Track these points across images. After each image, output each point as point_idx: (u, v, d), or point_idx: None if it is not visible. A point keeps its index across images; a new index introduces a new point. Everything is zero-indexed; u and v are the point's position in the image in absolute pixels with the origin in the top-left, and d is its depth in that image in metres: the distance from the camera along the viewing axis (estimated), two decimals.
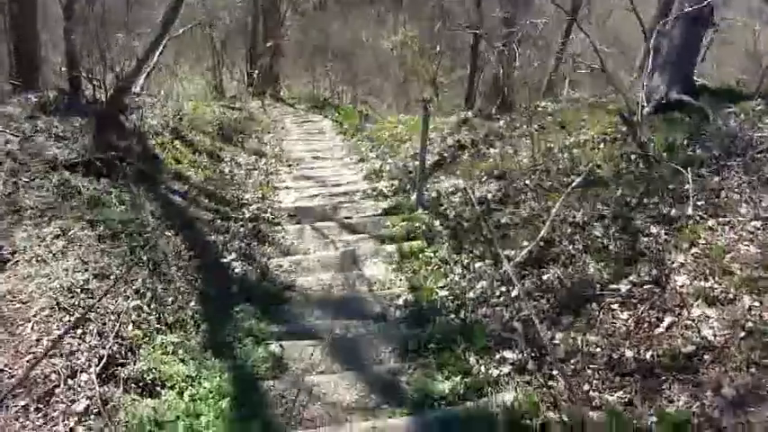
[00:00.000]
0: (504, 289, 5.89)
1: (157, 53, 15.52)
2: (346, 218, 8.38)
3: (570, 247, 6.16)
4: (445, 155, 10.47)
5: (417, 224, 7.58)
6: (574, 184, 6.86)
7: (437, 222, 7.61)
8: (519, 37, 13.57)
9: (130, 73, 9.25)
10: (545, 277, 5.92)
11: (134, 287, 5.49)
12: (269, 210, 8.60)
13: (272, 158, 12.36)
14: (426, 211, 8.03)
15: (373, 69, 26.06)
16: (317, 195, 9.49)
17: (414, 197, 8.64)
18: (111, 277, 5.45)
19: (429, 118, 8.40)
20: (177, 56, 21.31)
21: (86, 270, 5.36)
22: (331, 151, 13.55)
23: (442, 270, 6.48)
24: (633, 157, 7.44)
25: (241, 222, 7.91)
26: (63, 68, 15.96)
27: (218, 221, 7.80)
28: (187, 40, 22.20)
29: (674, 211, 6.08)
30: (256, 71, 21.58)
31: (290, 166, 12.01)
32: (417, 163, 10.05)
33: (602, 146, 8.27)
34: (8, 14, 11.29)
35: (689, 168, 6.21)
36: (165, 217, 7.05)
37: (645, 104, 7.83)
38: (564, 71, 18.26)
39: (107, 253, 5.76)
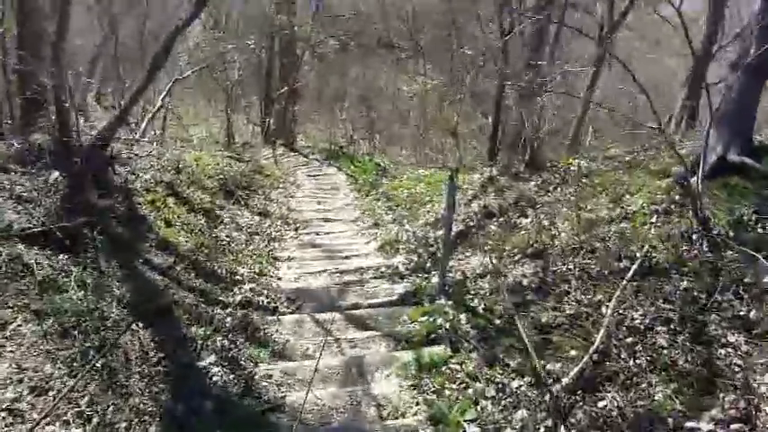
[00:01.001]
0: (549, 424, 4.60)
1: (162, 96, 14.66)
2: (354, 307, 7.10)
3: (631, 362, 4.92)
4: (470, 224, 9.24)
5: (440, 320, 6.28)
6: (629, 275, 5.66)
7: (463, 318, 6.32)
8: (548, 87, 12.45)
9: (111, 123, 8.17)
10: (601, 405, 4.65)
11: (80, 407, 4.27)
12: (265, 291, 7.37)
13: (277, 220, 11.21)
14: (450, 301, 6.74)
15: (392, 117, 25.11)
16: (322, 272, 8.27)
17: (435, 281, 7.39)
18: (52, 394, 4.23)
19: (456, 191, 7.10)
20: (186, 99, 20.45)
21: (21, 381, 4.20)
22: (343, 212, 12.40)
23: (470, 391, 5.16)
24: (695, 236, 6.19)
25: (229, 309, 6.66)
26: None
27: (202, 307, 6.57)
28: (197, 83, 21.36)
29: (753, 312, 5.00)
30: (270, 118, 20.57)
31: (296, 229, 10.85)
32: (439, 233, 8.93)
33: (654, 220, 7.00)
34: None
35: (762, 253, 5.17)
36: (136, 303, 5.81)
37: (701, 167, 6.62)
38: (587, 120, 17.11)
39: (52, 357, 4.56)
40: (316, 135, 24.90)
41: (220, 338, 5.98)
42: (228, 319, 6.41)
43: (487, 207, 9.72)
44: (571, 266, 6.55)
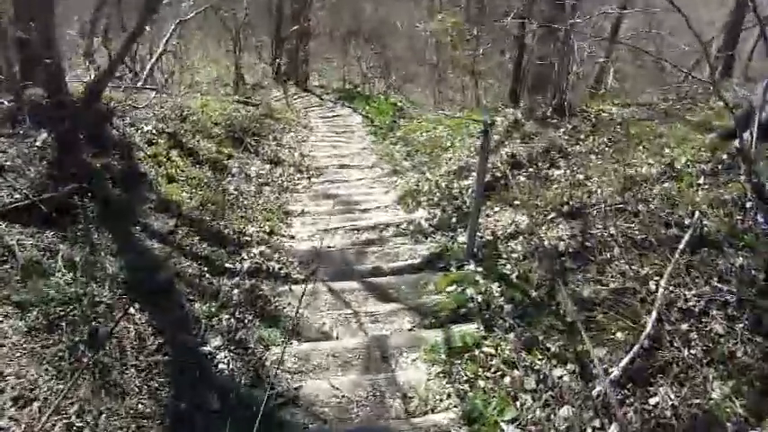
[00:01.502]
0: (597, 424, 4.02)
1: (165, 40, 13.85)
2: (374, 272, 6.47)
3: (685, 351, 4.29)
4: (497, 174, 8.53)
5: (470, 291, 5.66)
6: (681, 246, 4.99)
7: (496, 288, 5.69)
8: (576, 26, 11.57)
9: (103, 72, 7.49)
10: (653, 402, 4.07)
11: (69, 417, 3.73)
12: (276, 255, 6.75)
13: (289, 167, 10.57)
14: (479, 267, 6.11)
15: (407, 55, 24.17)
16: (338, 229, 7.62)
17: (462, 240, 6.77)
18: (36, 404, 3.69)
19: (489, 146, 6.37)
20: (192, 42, 19.54)
21: (2, 391, 3.63)
22: (359, 157, 11.72)
23: (506, 381, 4.55)
24: (748, 205, 5.49)
25: (237, 279, 6.04)
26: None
27: (207, 278, 5.96)
28: (206, 24, 20.46)
29: None
30: (281, 57, 19.70)
31: (309, 178, 10.21)
32: (464, 183, 8.27)
33: (701, 181, 6.28)
34: None
35: None
36: (132, 281, 5.20)
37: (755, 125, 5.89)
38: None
39: (37, 357, 3.98)
40: (329, 74, 24.02)
41: (227, 317, 5.37)
42: (236, 291, 5.79)
43: (515, 156, 9.00)
44: (613, 231, 5.87)
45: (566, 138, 9.33)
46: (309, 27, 21.38)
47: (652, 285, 4.99)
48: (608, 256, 5.60)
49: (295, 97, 18.94)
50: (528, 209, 7.13)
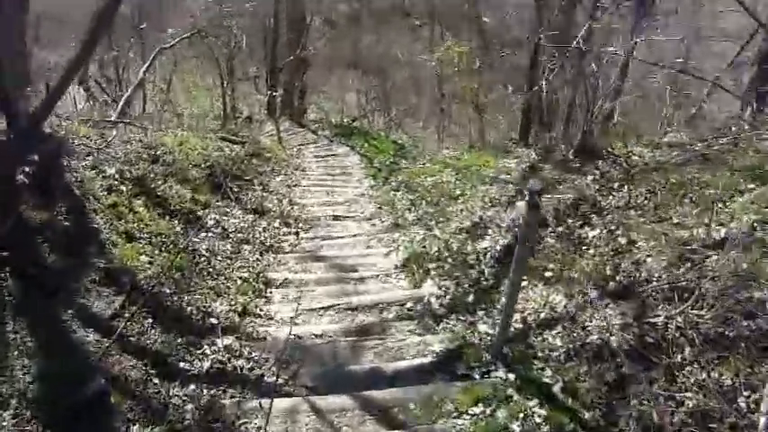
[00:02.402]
0: None
1: (143, 69, 12.57)
2: (373, 376, 4.94)
3: None
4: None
5: (502, 414, 4.21)
6: None
7: (536, 409, 4.25)
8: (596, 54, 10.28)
9: (43, 103, 6.14)
10: None
11: None
12: (246, 349, 5.27)
13: (275, 219, 9.16)
14: (511, 373, 4.69)
15: (408, 87, 22.97)
16: (328, 308, 6.17)
17: (483, 329, 5.36)
18: None
19: (537, 219, 4.89)
20: (182, 71, 18.32)
21: None
22: (356, 205, 10.32)
23: None
24: None
25: (192, 387, 4.59)
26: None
27: (153, 385, 4.51)
28: (199, 51, 19.21)
29: None
30: (276, 89, 18.38)
31: (298, 233, 8.80)
32: (480, 246, 6.92)
33: None
34: None
35: None
36: (47, 396, 3.77)
37: None
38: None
39: None
40: (326, 107, 22.76)
41: None
42: (189, 407, 4.33)
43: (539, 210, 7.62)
44: (678, 319, 4.48)
45: (596, 187, 8.00)
46: (306, 58, 20.12)
47: (742, 403, 3.63)
48: (678, 358, 4.22)
49: (289, 133, 17.62)
50: (563, 284, 5.75)
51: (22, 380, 3.81)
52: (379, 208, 10.03)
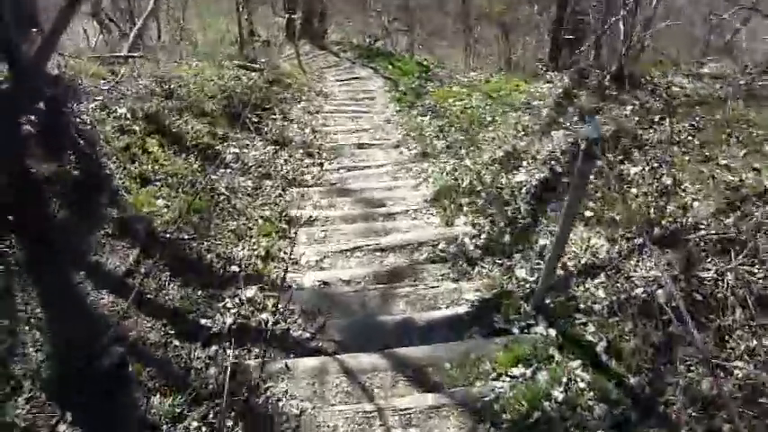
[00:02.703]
0: None
1: None
2: (405, 327, 4.59)
3: None
4: (557, 168, 6.68)
5: (543, 378, 3.84)
6: None
7: (579, 372, 3.88)
8: None
9: (44, 41, 5.74)
10: None
11: None
12: (270, 302, 4.88)
13: (297, 149, 8.76)
14: (552, 328, 4.31)
15: (432, 5, 22.03)
16: (356, 249, 5.80)
17: (522, 274, 4.99)
18: None
19: (589, 174, 4.36)
20: None
21: None
22: (382, 132, 9.88)
23: None
24: None
25: (214, 348, 4.28)
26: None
27: (173, 347, 4.20)
28: None
29: None
30: (295, 11, 17.65)
31: (321, 164, 8.40)
32: (515, 180, 6.49)
33: None
34: None
35: None
36: (63, 374, 3.48)
37: None
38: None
39: None
40: (348, 28, 21.97)
41: (196, 423, 3.62)
42: (212, 371, 4.03)
43: (576, 142, 7.13)
44: (729, 276, 4.05)
45: (636, 119, 7.48)
46: None
47: None
48: (729, 320, 3.80)
49: (310, 56, 17.01)
50: (604, 226, 5.32)
51: (34, 358, 3.51)
52: (407, 134, 9.57)
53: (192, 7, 18.55)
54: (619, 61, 9.62)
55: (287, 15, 17.57)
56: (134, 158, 6.30)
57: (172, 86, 8.57)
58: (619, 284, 4.62)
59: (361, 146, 9.14)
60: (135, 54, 10.59)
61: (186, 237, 5.58)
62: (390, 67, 14.52)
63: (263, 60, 12.61)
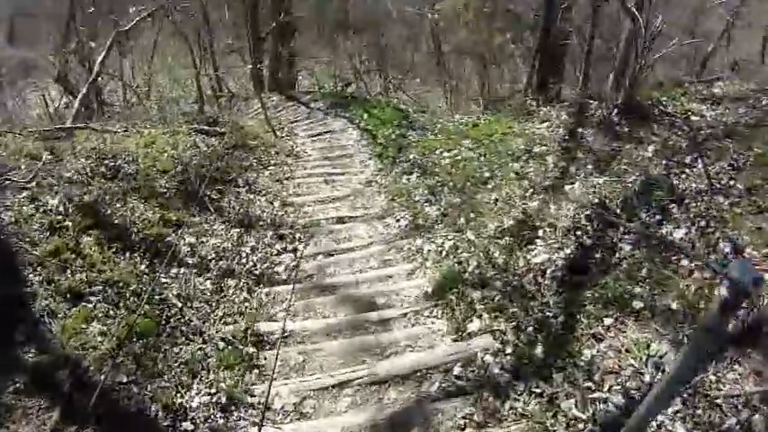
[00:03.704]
0: None
1: (101, 57, 10.72)
2: None
3: None
4: (585, 239, 5.43)
5: None
6: None
7: None
8: None
9: None
10: None
11: None
12: None
13: (266, 231, 7.47)
14: None
15: (403, 45, 20.99)
16: (345, 384, 4.44)
17: (570, 407, 3.73)
18: None
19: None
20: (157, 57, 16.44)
21: None
22: (363, 199, 8.62)
23: None
24: None
25: None
26: None
27: None
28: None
29: None
30: (260, 61, 16.42)
31: (295, 249, 7.11)
32: (535, 260, 5.25)
33: None
34: None
35: None
36: None
37: None
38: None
39: None
40: (319, 74, 20.81)
41: None
42: None
43: (602, 201, 5.91)
44: None
45: (662, 162, 6.31)
46: (291, 22, 18.10)
47: None
48: None
49: (279, 109, 15.76)
50: (661, 320, 4.08)
51: None
52: (392, 200, 8.28)
53: (160, 62, 17.36)
54: (625, 90, 8.47)
55: (253, 65, 16.29)
56: (65, 266, 5.09)
57: (118, 163, 7.37)
58: (701, 412, 3.36)
59: (340, 219, 7.85)
60: (80, 125, 9.32)
61: (125, 379, 4.24)
62: (366, 115, 13.23)
63: (225, 120, 11.28)
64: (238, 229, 7.26)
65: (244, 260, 6.59)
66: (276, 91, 17.81)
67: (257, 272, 6.40)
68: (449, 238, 6.54)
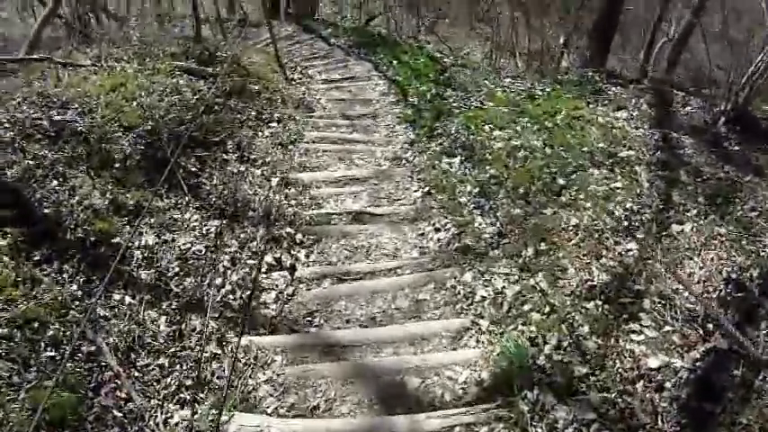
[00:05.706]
0: None
1: None
2: None
3: None
4: (736, 334, 3.49)
5: None
6: None
7: None
8: None
9: None
10: None
11: None
12: None
13: (256, 228, 5.54)
14: None
15: None
16: None
17: None
18: None
19: None
20: None
21: None
22: (391, 185, 6.61)
23: None
24: None
25: None
26: None
27: None
28: None
29: None
30: None
31: (293, 267, 5.15)
32: (640, 359, 3.29)
33: None
34: None
35: None
36: None
37: None
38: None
39: None
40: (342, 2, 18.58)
41: None
42: None
43: (737, 282, 3.96)
44: None
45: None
46: None
47: None
48: None
49: (293, 42, 13.55)
50: None
51: None
52: (428, 193, 6.28)
53: None
54: (737, 98, 6.57)
55: None
56: None
57: (67, 116, 5.37)
58: None
59: (358, 216, 5.87)
60: (37, 56, 7.28)
61: None
62: (396, 62, 11.06)
63: (225, 55, 9.11)
64: (218, 222, 5.30)
65: (219, 280, 4.65)
66: (293, 17, 15.57)
67: (234, 303, 4.47)
68: (511, 280, 4.61)
